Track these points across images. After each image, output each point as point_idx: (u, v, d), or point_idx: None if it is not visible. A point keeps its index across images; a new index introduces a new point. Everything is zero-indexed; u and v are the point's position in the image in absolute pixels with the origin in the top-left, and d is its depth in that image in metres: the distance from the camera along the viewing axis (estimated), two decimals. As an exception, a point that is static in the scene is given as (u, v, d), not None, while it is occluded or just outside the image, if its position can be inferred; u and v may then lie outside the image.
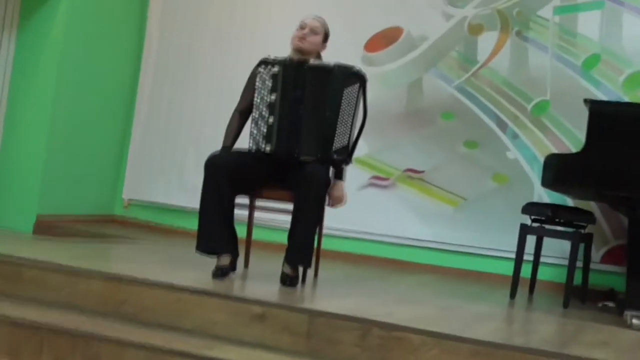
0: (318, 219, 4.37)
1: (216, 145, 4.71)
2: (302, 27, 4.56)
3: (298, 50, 4.54)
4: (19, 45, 7.07)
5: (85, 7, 7.12)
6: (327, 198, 4.45)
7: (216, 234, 4.34)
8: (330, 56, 4.60)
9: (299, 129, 4.40)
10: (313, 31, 4.55)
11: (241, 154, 4.46)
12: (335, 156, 4.40)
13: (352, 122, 4.44)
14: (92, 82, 7.31)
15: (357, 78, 4.45)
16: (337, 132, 4.38)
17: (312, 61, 4.52)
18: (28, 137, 6.95)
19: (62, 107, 6.99)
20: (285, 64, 4.48)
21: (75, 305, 3.87)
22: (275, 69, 4.47)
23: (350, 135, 4.44)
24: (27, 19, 7.05)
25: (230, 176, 4.32)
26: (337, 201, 4.57)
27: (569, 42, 6.22)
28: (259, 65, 4.54)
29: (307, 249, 4.30)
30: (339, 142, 4.38)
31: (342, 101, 4.39)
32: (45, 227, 6.75)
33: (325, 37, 4.64)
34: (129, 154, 7.78)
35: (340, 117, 4.39)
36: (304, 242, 4.29)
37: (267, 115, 4.45)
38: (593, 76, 6.08)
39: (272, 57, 4.54)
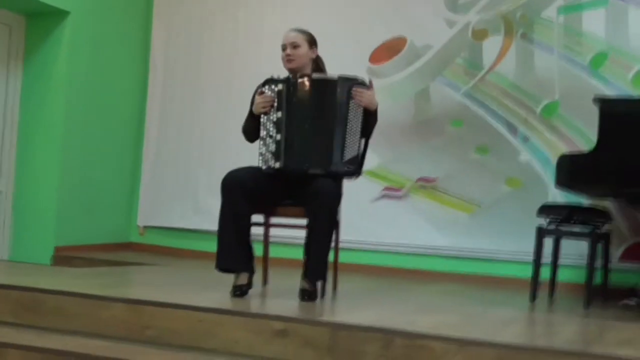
0: (330, 234, 4.36)
1: (228, 166, 4.71)
2: (283, 49, 4.59)
3: (290, 71, 4.56)
4: (25, 77, 7.14)
5: (89, 37, 7.19)
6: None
7: (234, 252, 4.35)
8: (336, 70, 4.60)
9: (308, 143, 4.40)
10: (294, 46, 4.56)
11: (256, 171, 4.46)
12: (346, 168, 4.40)
13: (360, 133, 4.44)
14: (100, 111, 7.37)
15: (362, 86, 4.45)
16: (346, 143, 4.38)
17: (315, 75, 4.52)
18: (41, 171, 7.01)
19: (72, 139, 7.04)
20: (288, 80, 4.49)
21: (98, 332, 3.87)
22: (280, 86, 4.48)
23: (359, 145, 4.44)
24: (32, 52, 7.13)
25: (246, 194, 4.34)
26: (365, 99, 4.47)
27: (574, 42, 6.21)
28: (263, 84, 4.55)
29: (322, 263, 4.30)
30: (349, 153, 4.39)
31: (349, 112, 4.40)
32: (63, 258, 6.78)
33: (311, 42, 4.63)
34: (142, 180, 7.81)
35: (348, 128, 4.39)
36: (318, 257, 4.29)
37: (274, 133, 4.45)
38: (601, 74, 6.07)
39: (276, 76, 4.55)
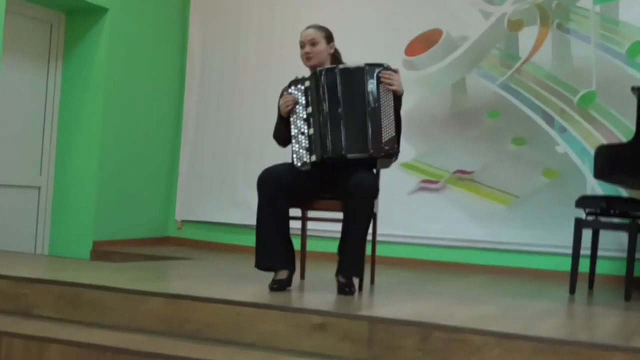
0: (366, 230, 4.34)
1: (265, 159, 4.73)
2: (302, 47, 4.60)
3: (311, 68, 4.57)
4: (65, 74, 7.21)
5: (127, 33, 7.25)
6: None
7: (273, 250, 4.36)
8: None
9: (343, 131, 4.39)
10: (312, 43, 4.56)
11: (292, 166, 4.47)
12: (387, 147, 4.39)
13: (395, 114, 4.43)
14: (139, 107, 7.43)
15: (388, 70, 4.45)
16: (382, 125, 4.37)
17: (342, 66, 4.52)
18: (80, 166, 7.08)
19: (110, 134, 7.11)
20: (315, 75, 4.48)
21: (137, 326, 3.90)
22: (307, 83, 4.48)
23: (395, 126, 4.43)
24: (72, 49, 7.20)
25: (284, 191, 4.34)
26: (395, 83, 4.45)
27: (611, 31, 6.16)
28: (289, 85, 4.56)
29: (358, 261, 4.29)
30: (386, 134, 4.38)
31: (380, 96, 4.40)
32: (102, 253, 6.85)
33: (328, 37, 4.63)
34: (179, 174, 7.86)
35: (382, 110, 4.39)
36: (353, 254, 4.28)
37: (305, 129, 4.46)
38: (639, 63, 6.01)
39: (299, 76, 4.56)
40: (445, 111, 6.73)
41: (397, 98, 4.46)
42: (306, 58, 4.59)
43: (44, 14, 7.07)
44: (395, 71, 4.47)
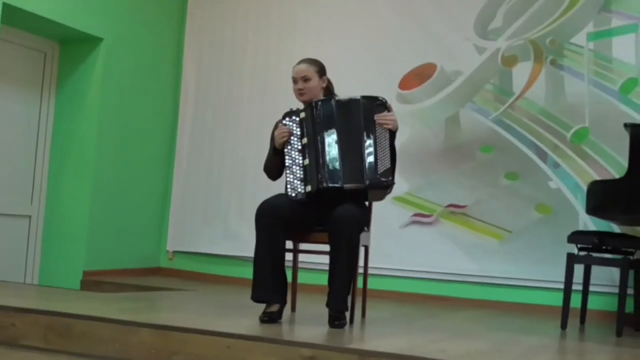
0: (351, 261, 4.33)
1: (258, 191, 4.72)
2: (294, 82, 4.62)
3: (304, 103, 4.59)
4: (58, 103, 7.22)
5: (122, 63, 7.26)
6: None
7: (270, 284, 4.36)
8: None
9: (339, 162, 4.41)
10: (304, 79, 4.59)
11: (289, 198, 4.47)
12: (382, 179, 4.39)
13: (390, 146, 4.45)
14: (132, 137, 7.42)
15: (383, 106, 4.48)
16: (378, 156, 4.39)
17: (338, 97, 4.55)
18: (71, 196, 7.07)
19: (103, 164, 7.10)
20: (311, 106, 4.50)
21: (127, 357, 3.87)
22: (302, 114, 4.51)
23: (390, 158, 4.44)
24: (65, 78, 7.21)
25: (282, 223, 4.35)
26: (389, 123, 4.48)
27: (604, 68, 6.19)
28: (283, 117, 4.57)
29: (344, 292, 4.30)
30: (382, 166, 4.39)
31: (376, 128, 4.42)
32: (93, 283, 6.81)
33: (321, 72, 4.65)
34: (171, 205, 7.84)
35: (377, 142, 4.41)
36: (339, 287, 4.29)
37: (300, 160, 4.47)
38: (631, 100, 6.04)
39: (294, 108, 4.58)
40: (438, 145, 6.74)
41: (392, 132, 4.48)
42: (299, 94, 4.61)
43: (38, 43, 7.08)
44: (389, 108, 4.49)
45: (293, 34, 7.45)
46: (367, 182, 4.39)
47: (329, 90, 4.70)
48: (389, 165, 4.43)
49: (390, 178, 4.44)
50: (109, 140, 7.17)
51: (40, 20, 6.56)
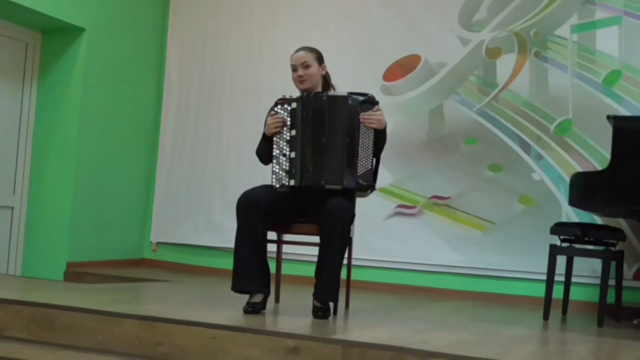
0: (342, 254, 4.34)
1: (241, 183, 4.71)
2: (294, 70, 4.59)
3: (304, 90, 4.56)
4: (40, 94, 7.18)
5: (104, 53, 7.22)
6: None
7: (250, 274, 4.35)
8: (350, 88, 4.60)
9: (322, 160, 4.41)
10: (304, 66, 4.56)
11: (270, 190, 4.46)
12: (360, 181, 4.40)
13: (373, 147, 4.44)
14: (115, 128, 7.39)
15: (371, 104, 4.47)
16: (359, 157, 4.39)
17: (330, 92, 4.54)
18: (54, 187, 7.04)
19: (86, 155, 7.07)
20: (302, 99, 4.49)
21: (110, 349, 3.87)
22: (294, 105, 4.49)
23: (372, 159, 4.44)
24: (47, 68, 7.17)
25: (262, 214, 4.34)
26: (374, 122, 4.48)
27: (588, 60, 6.21)
28: (275, 105, 4.56)
29: (333, 285, 4.30)
30: (362, 167, 4.40)
31: (360, 127, 4.42)
32: (76, 274, 6.79)
33: (319, 59, 4.64)
34: (155, 196, 7.83)
35: (360, 143, 4.41)
36: (329, 279, 4.29)
37: (287, 152, 4.46)
38: (615, 92, 6.07)
39: (287, 96, 4.56)
40: (422, 137, 6.75)
41: (380, 132, 4.47)
42: (299, 82, 4.58)
43: (19, 33, 7.03)
44: (376, 104, 4.48)
45: (276, 25, 7.44)
46: (345, 183, 4.40)
47: (326, 81, 4.68)
48: (370, 167, 4.43)
49: (371, 179, 4.45)
50: (91, 131, 7.13)
51: (22, 9, 6.51)
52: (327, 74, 4.70)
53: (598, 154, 6.01)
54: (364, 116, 4.42)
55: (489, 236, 6.42)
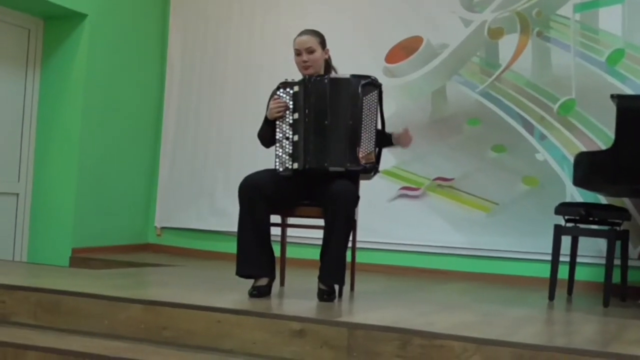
0: (347, 236, 4.34)
1: (244, 167, 4.70)
2: (298, 54, 4.56)
3: (309, 76, 4.53)
4: (43, 80, 7.17)
5: (106, 39, 7.22)
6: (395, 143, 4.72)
7: (254, 258, 4.35)
8: (352, 70, 4.59)
9: (325, 142, 4.40)
10: (309, 51, 4.53)
11: (273, 174, 4.45)
12: (364, 162, 4.39)
13: (375, 129, 4.44)
14: (118, 113, 7.40)
15: (373, 86, 4.45)
16: (362, 139, 4.38)
17: (332, 75, 4.53)
18: (58, 173, 7.05)
19: (89, 141, 7.08)
20: (305, 82, 4.47)
21: (116, 333, 3.88)
22: (296, 88, 4.47)
23: (375, 141, 4.44)
24: (50, 54, 7.17)
25: (264, 198, 4.33)
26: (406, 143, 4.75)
27: (591, 39, 6.19)
28: (278, 88, 4.54)
29: (340, 268, 4.30)
30: (365, 149, 4.39)
31: (363, 109, 4.40)
32: (81, 260, 6.81)
33: (323, 43, 4.61)
34: (159, 181, 7.83)
35: (363, 124, 4.39)
36: (336, 261, 4.29)
37: (291, 135, 4.45)
38: (618, 71, 6.05)
39: (290, 79, 4.54)
40: (425, 119, 6.73)
41: (382, 111, 4.48)
42: (304, 67, 4.54)
43: (21, 19, 7.03)
44: (379, 86, 4.47)
45: (278, 6, 7.42)
46: (348, 165, 4.39)
47: (328, 64, 4.66)
48: (372, 148, 4.43)
49: (374, 161, 4.45)
50: (95, 117, 7.13)
51: (24, -4, 6.52)
52: (329, 57, 4.68)
53: (602, 134, 6.00)
54: (399, 138, 4.66)
55: (493, 217, 6.41)
